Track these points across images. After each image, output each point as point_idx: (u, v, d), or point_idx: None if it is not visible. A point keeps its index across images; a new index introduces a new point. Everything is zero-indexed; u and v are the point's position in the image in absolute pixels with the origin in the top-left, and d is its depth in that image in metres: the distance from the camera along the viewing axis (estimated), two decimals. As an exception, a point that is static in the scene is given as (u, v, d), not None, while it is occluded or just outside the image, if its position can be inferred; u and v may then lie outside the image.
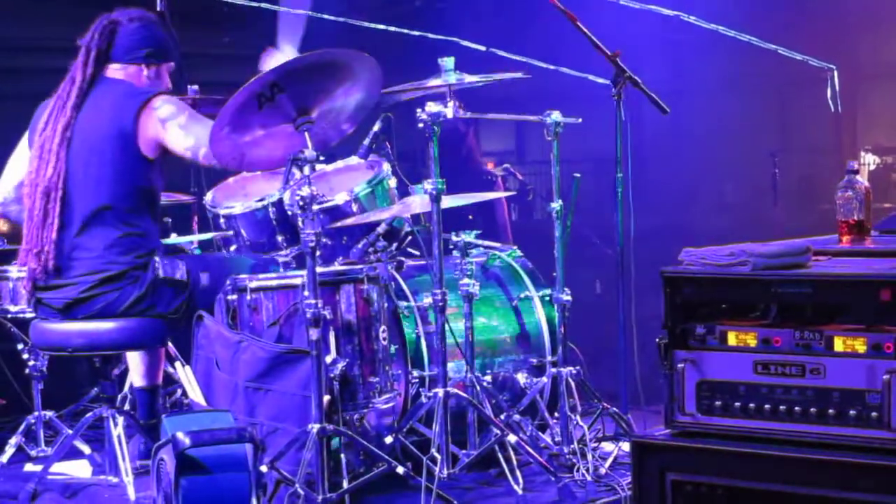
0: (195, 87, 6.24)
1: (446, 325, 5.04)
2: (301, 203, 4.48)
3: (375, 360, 4.98)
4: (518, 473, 4.94)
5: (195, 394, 4.88)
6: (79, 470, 5.34)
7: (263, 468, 4.46)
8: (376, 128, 5.34)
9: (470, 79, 5.37)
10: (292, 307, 4.82)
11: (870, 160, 7.76)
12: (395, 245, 5.52)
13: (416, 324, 5.36)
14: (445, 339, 5.01)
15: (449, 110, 5.00)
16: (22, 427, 5.68)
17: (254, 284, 4.87)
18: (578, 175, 5.53)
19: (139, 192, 4.96)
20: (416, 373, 5.31)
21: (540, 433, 5.38)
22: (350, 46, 4.84)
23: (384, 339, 5.02)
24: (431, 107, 4.93)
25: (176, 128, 4.90)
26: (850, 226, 4.12)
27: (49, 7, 7.45)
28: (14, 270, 5.43)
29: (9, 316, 5.65)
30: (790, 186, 7.80)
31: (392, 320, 5.25)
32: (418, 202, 5.26)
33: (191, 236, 6.08)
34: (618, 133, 5.37)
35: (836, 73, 6.36)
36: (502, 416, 5.21)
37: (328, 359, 4.69)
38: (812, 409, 3.43)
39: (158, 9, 5.89)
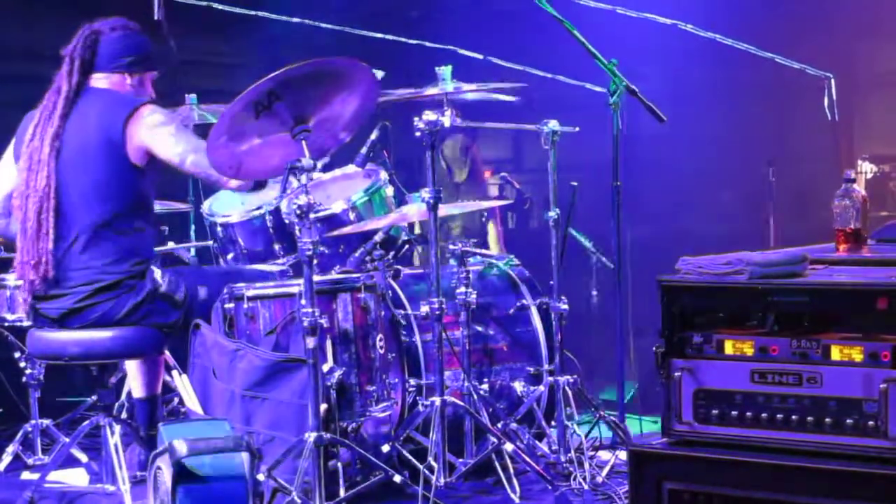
0: (193, 95, 6.26)
1: (443, 334, 5.04)
2: (298, 212, 4.48)
3: (372, 368, 4.98)
4: (515, 482, 4.94)
5: (192, 402, 4.87)
6: (76, 478, 5.34)
7: (260, 477, 4.46)
8: (373, 136, 5.34)
9: (467, 88, 5.37)
10: (289, 316, 4.82)
11: (867, 169, 7.75)
12: (392, 254, 5.52)
13: (413, 332, 5.36)
14: (442, 348, 5.02)
15: (446, 119, 5.01)
16: (19, 435, 5.68)
17: (251, 293, 4.87)
18: (576, 184, 5.53)
19: (131, 200, 4.95)
20: (413, 381, 5.31)
21: (537, 442, 5.38)
22: (347, 55, 4.84)
23: (381, 347, 5.02)
24: (428, 115, 4.93)
25: (165, 135, 4.90)
26: (847, 234, 4.13)
27: (43, 14, 7.44)
28: (11, 279, 5.43)
29: (6, 324, 5.65)
30: (787, 195, 7.79)
31: (389, 329, 5.25)
32: (415, 211, 5.26)
33: (186, 244, 6.08)
34: (615, 142, 5.37)
35: (833, 82, 6.36)
36: (499, 425, 5.21)
37: (325, 367, 4.68)
38: (809, 418, 3.43)
39: (156, 17, 5.88)
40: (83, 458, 5.41)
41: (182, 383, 4.95)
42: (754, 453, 3.48)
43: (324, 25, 6.31)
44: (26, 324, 5.25)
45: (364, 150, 5.35)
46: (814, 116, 6.52)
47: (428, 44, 6.38)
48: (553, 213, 5.37)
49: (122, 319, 4.89)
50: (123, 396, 5.70)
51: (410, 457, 4.95)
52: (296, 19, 5.91)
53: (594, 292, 7.52)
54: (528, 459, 5.00)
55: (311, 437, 4.45)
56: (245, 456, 4.32)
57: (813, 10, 8.28)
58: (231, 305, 4.88)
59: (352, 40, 6.35)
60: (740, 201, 8.62)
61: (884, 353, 3.32)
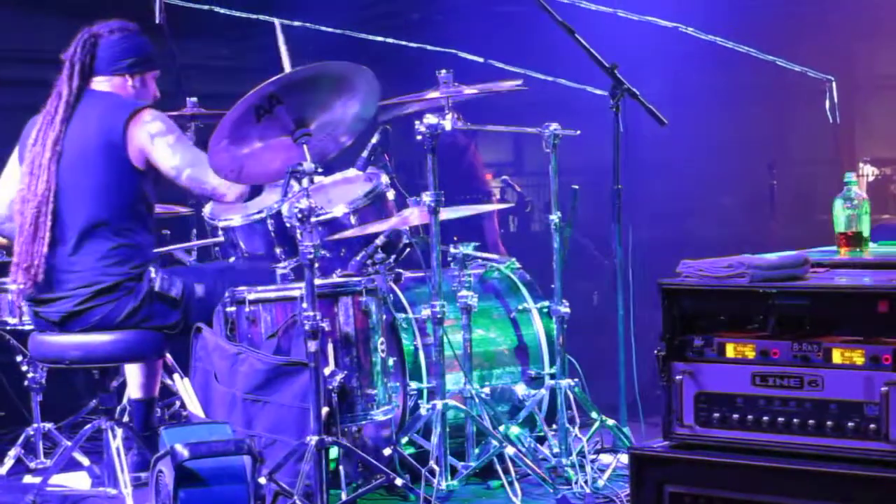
0: (194, 99, 6.26)
1: (444, 337, 5.04)
2: (299, 215, 4.48)
3: (374, 372, 4.98)
4: (516, 485, 4.95)
5: (193, 406, 4.87)
6: (77, 482, 5.34)
7: (262, 480, 4.46)
8: (375, 140, 5.34)
9: (468, 90, 5.37)
10: (291, 319, 4.82)
11: (868, 171, 7.76)
12: (393, 257, 5.52)
13: (414, 336, 5.36)
14: (444, 351, 5.02)
15: (447, 122, 5.01)
16: (21, 439, 5.68)
17: (252, 296, 4.87)
18: (577, 187, 5.53)
19: (131, 203, 4.95)
20: (414, 385, 5.31)
21: (538, 445, 5.37)
22: (348, 59, 4.84)
23: (382, 351, 5.02)
24: (430, 119, 4.94)
25: (164, 145, 4.91)
26: (848, 237, 4.13)
27: (43, 18, 7.45)
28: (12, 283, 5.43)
29: (8, 328, 5.66)
30: (788, 198, 7.81)
31: (390, 332, 5.26)
32: (416, 214, 5.27)
33: (185, 244, 6.08)
34: (616, 145, 5.37)
35: (834, 85, 6.36)
36: (500, 428, 5.21)
37: (326, 371, 4.68)
38: (810, 421, 3.43)
39: (157, 21, 5.89)
40: (85, 461, 5.41)
41: (183, 387, 4.95)
42: (755, 456, 3.48)
43: (325, 29, 6.31)
44: (28, 328, 5.25)
45: (365, 153, 5.35)
46: (815, 119, 6.52)
47: (429, 47, 6.39)
48: (554, 217, 5.37)
49: (122, 323, 4.90)
50: (125, 399, 5.70)
51: (412, 460, 4.95)
52: (297, 23, 5.90)
53: (596, 295, 7.54)
54: (529, 463, 5.00)
55: (312, 440, 4.45)
56: (246, 459, 4.32)
57: (814, 12, 8.28)
58: (232, 309, 4.89)
59: (352, 44, 6.35)
60: (741, 204, 8.63)
61: (885, 356, 3.32)
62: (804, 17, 8.28)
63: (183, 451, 4.23)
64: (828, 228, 4.32)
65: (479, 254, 5.70)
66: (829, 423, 3.40)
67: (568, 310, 5.39)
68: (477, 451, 5.14)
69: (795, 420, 3.45)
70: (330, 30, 6.34)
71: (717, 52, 6.40)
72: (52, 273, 4.90)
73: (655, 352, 3.66)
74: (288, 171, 4.55)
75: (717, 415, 3.56)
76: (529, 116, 5.60)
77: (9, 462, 5.59)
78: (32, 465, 5.69)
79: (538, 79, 6.24)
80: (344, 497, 4.64)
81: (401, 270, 5.42)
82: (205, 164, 4.82)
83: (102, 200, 4.90)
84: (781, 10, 8.25)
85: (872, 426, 3.33)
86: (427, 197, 4.96)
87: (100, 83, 5.04)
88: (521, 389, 5.58)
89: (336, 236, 5.41)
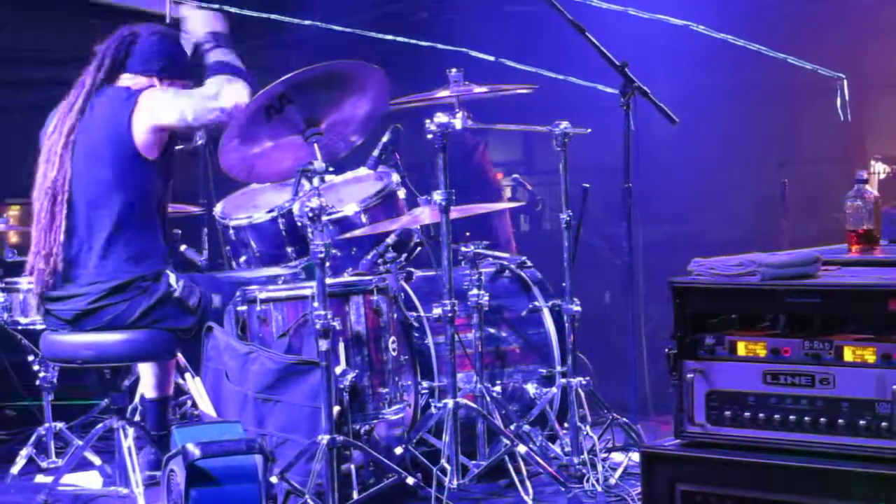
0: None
1: (456, 336, 5.04)
2: (310, 214, 4.49)
3: (385, 370, 4.98)
4: (528, 484, 4.94)
5: (205, 405, 4.88)
6: (89, 481, 5.35)
7: (273, 479, 4.47)
8: (385, 139, 5.35)
9: (478, 90, 5.37)
10: (302, 318, 4.82)
11: (879, 169, 7.73)
12: (404, 256, 5.52)
13: (425, 335, 5.36)
14: (455, 350, 5.02)
15: (458, 121, 5.01)
16: (33, 438, 5.70)
17: (263, 296, 4.87)
18: (588, 185, 5.52)
19: (143, 197, 4.94)
20: (425, 383, 5.31)
21: (549, 444, 5.37)
22: (358, 58, 4.85)
23: (394, 349, 5.02)
24: (440, 118, 4.94)
25: (161, 104, 4.87)
26: (859, 235, 4.12)
27: (54, 18, 7.46)
28: (24, 282, 5.44)
29: (19, 328, 5.67)
30: (799, 196, 7.78)
31: (401, 331, 5.26)
32: (427, 213, 5.27)
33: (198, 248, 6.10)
34: (626, 143, 5.37)
35: (845, 82, 6.35)
36: (512, 427, 5.21)
37: (338, 370, 4.69)
38: (822, 420, 3.42)
39: (167, 21, 5.90)
40: (97, 461, 5.43)
41: (195, 386, 4.96)
42: (767, 455, 3.47)
43: (335, 28, 6.31)
44: (40, 327, 5.26)
45: (376, 152, 5.36)
46: (826, 117, 6.51)
47: (439, 46, 6.39)
48: (565, 215, 5.36)
49: (135, 322, 4.90)
50: (137, 399, 5.71)
51: (423, 459, 4.96)
52: (307, 22, 5.91)
53: (606, 294, 7.53)
54: (540, 461, 4.99)
55: (324, 439, 4.45)
56: (258, 458, 4.33)
57: (825, 10, 8.26)
58: (244, 308, 4.89)
59: (362, 43, 6.35)
60: (752, 202, 8.60)
61: (896, 354, 3.32)
62: (814, 15, 8.26)
63: (194, 451, 4.23)
64: (839, 226, 4.31)
65: (490, 252, 5.69)
66: (840, 421, 3.39)
67: (579, 308, 5.38)
68: (488, 449, 5.14)
69: (807, 418, 3.44)
70: (340, 29, 6.35)
71: (727, 49, 6.40)
72: (67, 264, 4.90)
73: (666, 350, 3.65)
74: (299, 170, 4.55)
75: (728, 413, 3.56)
76: (540, 115, 5.60)
77: (21, 462, 5.60)
78: (44, 464, 5.70)
79: (549, 77, 6.24)
80: (355, 496, 4.65)
81: (412, 269, 5.42)
82: (203, 96, 4.78)
83: (114, 193, 4.90)
84: (791, 9, 8.24)
85: (884, 424, 3.32)
86: (438, 196, 4.96)
87: (127, 80, 5.02)
88: (532, 388, 5.58)
89: (347, 235, 5.42)
